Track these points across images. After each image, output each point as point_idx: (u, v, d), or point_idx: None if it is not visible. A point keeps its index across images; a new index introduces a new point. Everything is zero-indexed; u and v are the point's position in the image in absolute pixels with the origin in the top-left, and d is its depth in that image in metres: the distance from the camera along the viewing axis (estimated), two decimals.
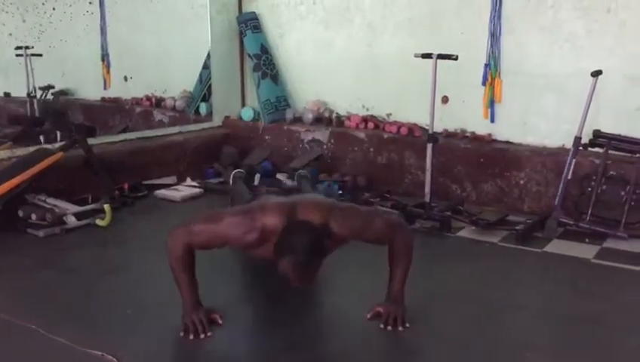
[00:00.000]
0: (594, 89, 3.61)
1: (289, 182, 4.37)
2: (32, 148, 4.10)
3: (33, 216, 3.63)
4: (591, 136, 3.73)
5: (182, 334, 2.41)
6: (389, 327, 2.48)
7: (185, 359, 2.36)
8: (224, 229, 2.42)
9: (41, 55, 6.00)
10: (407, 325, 2.51)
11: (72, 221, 3.69)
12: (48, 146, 4.18)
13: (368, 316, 2.57)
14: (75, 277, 3.04)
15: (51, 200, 3.80)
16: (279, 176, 4.63)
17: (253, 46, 5.24)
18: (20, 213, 3.66)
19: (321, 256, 2.32)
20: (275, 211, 2.41)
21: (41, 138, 4.94)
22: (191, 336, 2.40)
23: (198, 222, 2.48)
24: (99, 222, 3.71)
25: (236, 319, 2.60)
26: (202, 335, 2.41)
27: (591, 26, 3.88)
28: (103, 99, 6.43)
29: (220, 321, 2.51)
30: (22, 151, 4.11)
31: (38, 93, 6.11)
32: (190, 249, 2.45)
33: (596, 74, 3.62)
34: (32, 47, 6.00)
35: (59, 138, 4.74)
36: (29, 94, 6.07)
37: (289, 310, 2.70)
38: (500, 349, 2.41)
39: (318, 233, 2.32)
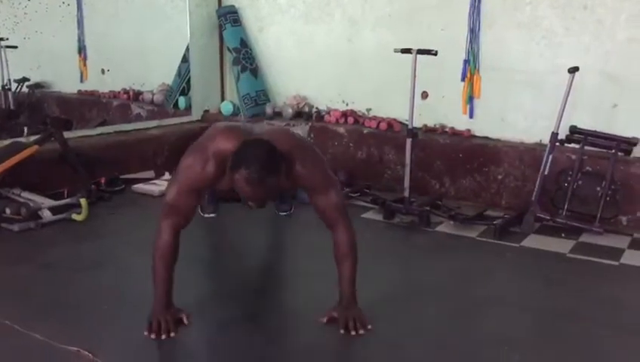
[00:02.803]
0: (571, 85, 3.66)
1: None
2: (6, 142, 4.03)
3: (7, 210, 3.57)
4: (567, 132, 3.77)
5: (145, 333, 2.33)
6: (353, 332, 2.37)
7: (161, 355, 2.34)
8: (185, 177, 2.35)
9: (16, 47, 5.89)
10: (370, 327, 2.41)
11: (47, 215, 3.63)
12: (23, 139, 4.11)
13: (324, 320, 2.45)
14: (50, 273, 2.99)
15: (26, 194, 3.74)
16: None
17: (232, 40, 5.21)
18: None
19: (277, 173, 2.22)
20: (226, 135, 2.35)
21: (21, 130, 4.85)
22: (153, 336, 2.32)
23: (166, 196, 2.42)
24: (75, 216, 3.66)
25: (211, 315, 2.59)
26: (164, 336, 2.32)
27: (568, 23, 3.92)
28: (80, 92, 6.34)
29: (186, 321, 2.42)
30: None
31: (13, 86, 6.00)
32: (176, 230, 2.37)
33: (573, 70, 3.66)
34: (7, 39, 5.88)
35: (33, 131, 4.64)
36: (3, 87, 5.96)
37: (260, 305, 2.70)
38: (477, 343, 2.43)
39: (276, 151, 2.23)
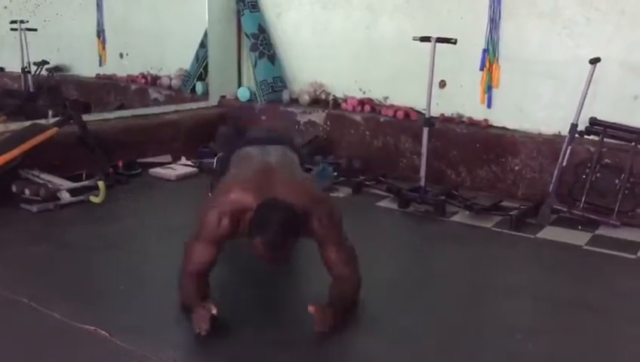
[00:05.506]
0: (592, 76, 3.61)
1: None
2: (26, 123, 4.07)
3: (27, 191, 3.62)
4: (587, 124, 3.73)
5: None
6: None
7: (176, 334, 2.37)
8: (204, 231, 2.38)
9: (35, 30, 5.94)
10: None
11: (65, 197, 3.67)
12: (42, 122, 4.16)
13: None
14: (68, 253, 3.04)
15: (45, 176, 3.78)
16: None
17: (250, 25, 5.20)
18: (14, 188, 3.65)
19: (296, 237, 2.26)
20: (241, 190, 2.36)
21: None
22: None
23: (187, 250, 2.44)
24: (93, 198, 3.70)
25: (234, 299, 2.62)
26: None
27: (590, 13, 3.86)
28: (98, 76, 6.39)
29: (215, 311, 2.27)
30: (16, 126, 4.08)
31: (33, 69, 6.05)
32: (200, 275, 2.41)
33: (594, 61, 3.61)
34: (27, 22, 5.93)
35: (52, 114, 4.68)
36: (23, 69, 6.01)
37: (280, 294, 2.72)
38: (490, 331, 2.44)
39: (294, 212, 2.24)
